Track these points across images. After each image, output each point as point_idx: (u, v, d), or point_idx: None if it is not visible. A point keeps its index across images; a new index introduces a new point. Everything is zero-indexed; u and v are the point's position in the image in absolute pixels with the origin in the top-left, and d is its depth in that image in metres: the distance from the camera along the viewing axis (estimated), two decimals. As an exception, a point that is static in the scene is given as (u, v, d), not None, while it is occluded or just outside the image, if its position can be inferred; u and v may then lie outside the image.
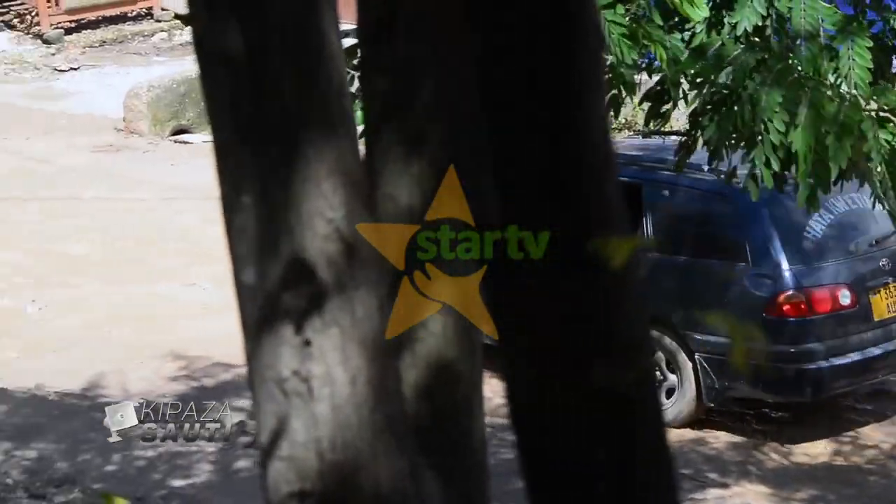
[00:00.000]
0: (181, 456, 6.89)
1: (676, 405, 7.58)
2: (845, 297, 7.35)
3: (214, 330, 8.67)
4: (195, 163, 12.69)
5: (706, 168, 7.36)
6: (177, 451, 6.90)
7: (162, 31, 15.40)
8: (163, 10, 17.02)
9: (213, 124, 1.77)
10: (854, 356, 7.41)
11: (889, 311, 7.54)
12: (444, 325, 2.00)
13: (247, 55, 1.70)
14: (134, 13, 17.28)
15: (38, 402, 7.57)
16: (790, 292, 7.27)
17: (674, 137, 7.79)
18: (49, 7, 16.46)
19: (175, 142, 13.43)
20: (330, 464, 1.73)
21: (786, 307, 7.28)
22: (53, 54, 16.20)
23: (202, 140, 13.43)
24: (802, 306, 7.29)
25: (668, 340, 7.44)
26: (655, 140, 7.74)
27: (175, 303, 9.33)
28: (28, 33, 16.69)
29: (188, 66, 14.53)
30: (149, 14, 17.35)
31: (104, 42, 16.66)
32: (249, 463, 6.88)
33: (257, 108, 1.71)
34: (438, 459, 1.99)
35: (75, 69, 15.78)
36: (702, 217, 7.66)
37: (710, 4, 4.82)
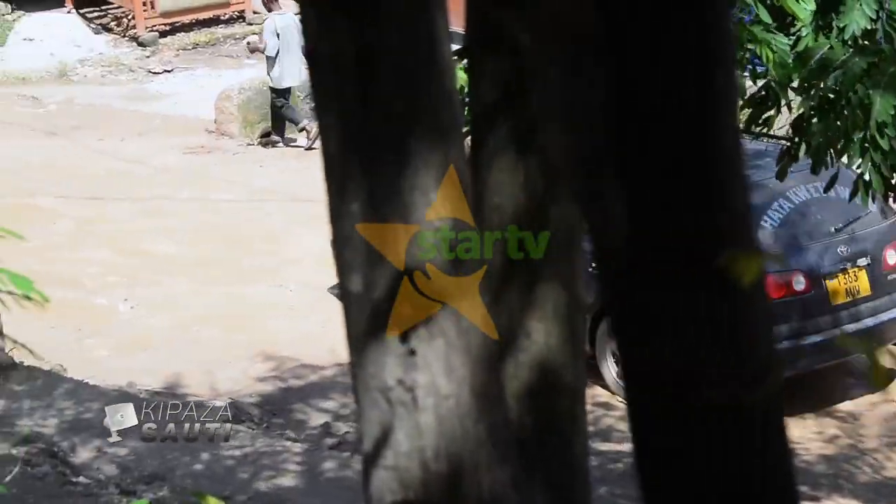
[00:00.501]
0: (267, 456, 6.93)
1: None
2: (800, 283, 7.50)
3: (301, 331, 8.74)
4: (283, 165, 12.83)
5: None
6: (263, 452, 6.95)
7: (253, 34, 15.56)
8: (254, 13, 17.24)
9: (322, 131, 1.77)
10: (809, 339, 7.54)
11: (847, 296, 7.66)
12: (548, 334, 1.98)
13: (357, 62, 1.69)
14: (226, 16, 17.53)
15: (129, 401, 7.67)
16: None
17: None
18: (145, 10, 16.77)
19: (264, 144, 13.58)
20: (434, 474, 1.72)
21: None
22: (148, 57, 16.49)
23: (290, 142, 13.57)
24: None
25: None
26: None
27: (263, 304, 9.42)
28: (124, 36, 17.02)
29: (278, 69, 14.68)
30: (241, 17, 17.59)
31: (197, 45, 16.92)
32: (335, 465, 6.90)
33: (367, 115, 1.70)
34: (542, 469, 1.97)
35: (169, 72, 16.04)
36: None
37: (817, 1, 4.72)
